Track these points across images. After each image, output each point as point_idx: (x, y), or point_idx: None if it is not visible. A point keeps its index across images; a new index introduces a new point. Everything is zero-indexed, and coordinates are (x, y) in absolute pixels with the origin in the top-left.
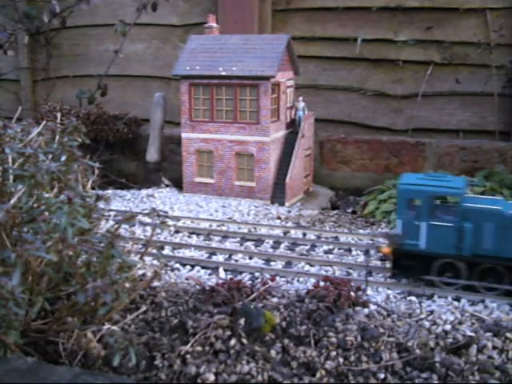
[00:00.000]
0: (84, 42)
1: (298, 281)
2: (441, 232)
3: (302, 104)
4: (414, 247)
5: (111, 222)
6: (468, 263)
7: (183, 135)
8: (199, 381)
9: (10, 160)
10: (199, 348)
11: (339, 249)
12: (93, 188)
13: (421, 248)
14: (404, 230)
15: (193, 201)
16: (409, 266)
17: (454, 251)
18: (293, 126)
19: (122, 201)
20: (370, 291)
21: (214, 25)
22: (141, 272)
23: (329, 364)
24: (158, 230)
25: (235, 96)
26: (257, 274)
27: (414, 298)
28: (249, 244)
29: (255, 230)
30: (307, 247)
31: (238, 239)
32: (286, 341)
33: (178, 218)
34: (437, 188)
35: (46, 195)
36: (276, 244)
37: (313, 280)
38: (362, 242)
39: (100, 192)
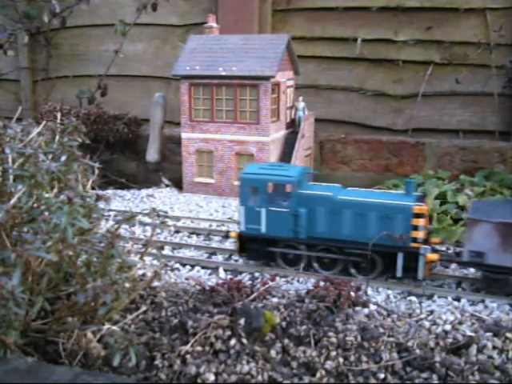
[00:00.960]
0: (84, 42)
1: (298, 281)
2: (279, 217)
3: (301, 104)
4: (257, 231)
5: (111, 222)
6: (306, 245)
7: (183, 135)
8: (199, 381)
9: (9, 160)
10: (199, 348)
11: None
12: (93, 188)
13: (262, 232)
14: (247, 216)
15: (193, 201)
16: (254, 249)
17: (291, 234)
18: (293, 126)
19: (122, 201)
20: (370, 291)
21: (214, 25)
22: (141, 272)
23: (329, 364)
24: (158, 230)
25: (235, 96)
26: (257, 274)
27: (414, 298)
28: None
29: None
30: None
31: None
32: (286, 341)
33: (177, 218)
34: (274, 176)
35: (46, 195)
36: None
37: (313, 280)
38: None
39: (100, 192)
